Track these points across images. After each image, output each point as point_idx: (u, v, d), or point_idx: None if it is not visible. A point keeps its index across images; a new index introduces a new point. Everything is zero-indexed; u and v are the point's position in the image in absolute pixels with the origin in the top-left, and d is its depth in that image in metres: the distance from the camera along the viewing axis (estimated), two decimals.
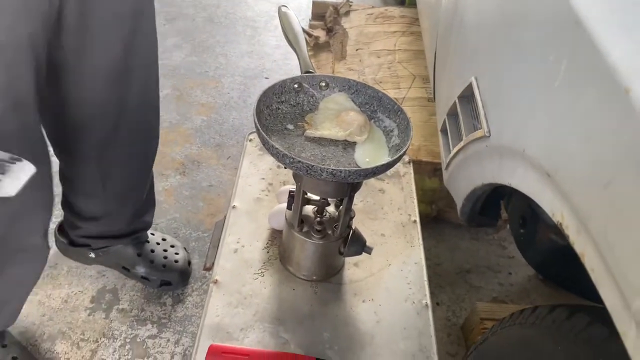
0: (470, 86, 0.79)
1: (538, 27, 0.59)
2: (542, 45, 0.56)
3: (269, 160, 1.13)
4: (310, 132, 0.81)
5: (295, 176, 0.81)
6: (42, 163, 0.89)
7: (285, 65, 2.12)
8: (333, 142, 0.81)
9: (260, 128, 0.73)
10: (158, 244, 1.30)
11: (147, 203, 1.25)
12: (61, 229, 1.29)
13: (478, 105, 0.74)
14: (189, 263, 1.31)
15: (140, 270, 1.25)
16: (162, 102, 1.87)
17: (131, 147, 1.10)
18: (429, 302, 0.89)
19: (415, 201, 1.07)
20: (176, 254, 1.29)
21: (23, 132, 0.83)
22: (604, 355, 0.51)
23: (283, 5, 0.96)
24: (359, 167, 0.76)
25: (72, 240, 1.27)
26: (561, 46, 0.52)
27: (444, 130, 0.98)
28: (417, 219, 1.03)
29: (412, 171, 1.14)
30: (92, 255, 1.26)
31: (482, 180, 0.74)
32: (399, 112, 0.82)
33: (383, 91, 0.85)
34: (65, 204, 1.20)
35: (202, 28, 2.33)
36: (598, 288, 0.43)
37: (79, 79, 0.94)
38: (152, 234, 1.31)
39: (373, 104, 0.86)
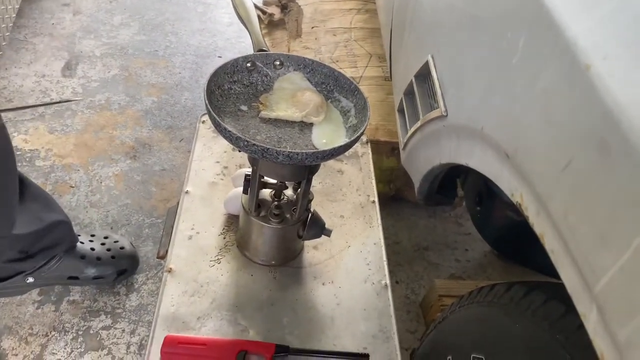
0: (426, 65, 0.78)
1: (494, 4, 0.58)
2: (500, 21, 0.55)
3: (224, 142, 1.09)
4: (265, 113, 0.78)
5: (250, 160, 0.78)
6: None
7: (238, 43, 2.06)
8: (289, 123, 0.78)
9: (211, 110, 0.70)
10: (91, 241, 1.20)
11: (37, 203, 1.08)
12: None
13: (435, 84, 0.72)
14: (132, 244, 1.25)
15: (90, 271, 1.16)
16: (109, 83, 1.79)
17: None
18: (388, 282, 0.89)
19: (374, 182, 1.07)
20: (116, 242, 1.22)
21: None
22: (561, 331, 0.51)
23: None
24: (316, 149, 0.74)
25: None
26: (519, 21, 0.51)
27: (401, 110, 0.97)
28: (376, 200, 1.03)
29: (370, 151, 1.13)
30: (31, 279, 1.12)
31: (440, 160, 0.74)
32: (356, 92, 0.80)
33: (339, 70, 0.83)
34: None
35: (151, 5, 2.23)
36: (558, 269, 0.43)
37: None
38: (80, 240, 1.19)
39: (329, 83, 0.83)
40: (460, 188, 1.12)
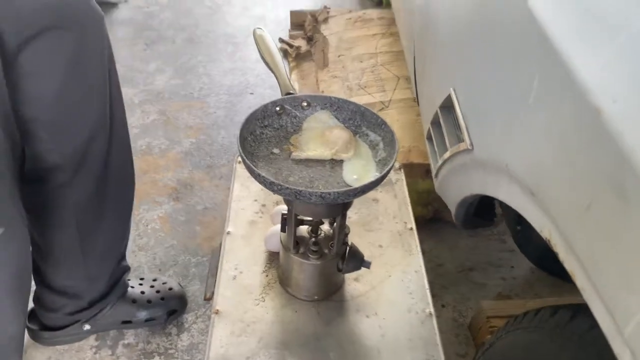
0: (449, 97, 0.79)
1: (508, 41, 0.59)
2: (514, 60, 0.56)
3: None
4: (296, 155, 0.80)
5: (286, 200, 0.81)
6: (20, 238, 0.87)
7: (268, 78, 2.11)
8: (320, 161, 0.80)
9: (245, 157, 0.73)
10: (140, 284, 1.26)
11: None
12: (32, 318, 1.17)
13: (459, 118, 0.73)
14: (180, 285, 1.30)
15: (142, 314, 1.21)
16: (149, 129, 1.87)
17: (111, 201, 1.05)
18: (432, 310, 0.88)
19: (410, 208, 1.07)
20: (164, 283, 1.27)
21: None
22: (609, 355, 0.51)
23: (258, 28, 0.96)
24: (348, 186, 0.76)
25: (54, 325, 1.15)
26: (532, 62, 0.51)
27: (429, 138, 0.97)
28: (413, 226, 1.03)
29: (403, 177, 1.14)
30: (87, 327, 1.17)
31: (471, 190, 0.74)
32: (383, 125, 0.82)
33: (365, 105, 0.85)
34: (42, 283, 1.11)
35: (183, 49, 2.33)
36: (591, 308, 0.43)
37: (55, 138, 0.92)
38: (130, 285, 1.25)
39: (356, 118, 0.85)
40: (500, 207, 1.11)
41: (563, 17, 0.48)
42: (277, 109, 0.84)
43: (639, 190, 0.36)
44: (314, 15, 2.29)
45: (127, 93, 2.04)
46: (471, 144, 0.70)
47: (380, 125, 0.82)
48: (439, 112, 0.86)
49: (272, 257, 0.97)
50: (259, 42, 0.93)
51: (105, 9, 2.59)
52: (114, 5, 2.59)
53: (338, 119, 0.86)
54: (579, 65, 0.43)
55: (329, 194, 0.68)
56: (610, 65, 0.41)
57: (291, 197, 0.70)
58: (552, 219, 0.48)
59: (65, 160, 0.94)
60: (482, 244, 1.46)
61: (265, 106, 0.83)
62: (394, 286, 0.92)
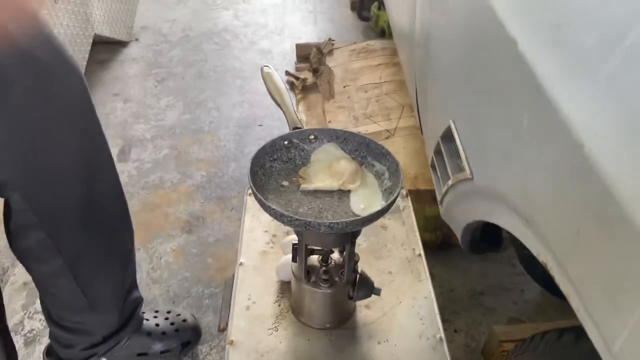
0: (449, 128, 0.82)
1: (497, 78, 0.62)
2: (505, 96, 0.59)
3: None
4: (305, 186, 0.83)
5: (296, 231, 0.83)
6: None
7: (277, 110, 2.16)
8: (328, 192, 0.83)
9: (256, 191, 0.76)
10: (155, 317, 1.28)
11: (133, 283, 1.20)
12: (50, 352, 1.19)
13: (459, 148, 0.76)
14: (193, 316, 1.32)
15: (157, 346, 1.22)
16: (161, 163, 1.92)
17: (106, 252, 1.05)
18: (442, 336, 0.90)
19: (417, 234, 1.09)
20: (178, 315, 1.29)
21: None
22: None
23: (265, 66, 1.00)
24: (356, 215, 0.79)
25: (71, 359, 1.16)
26: (520, 98, 0.55)
27: (433, 167, 1.00)
28: (422, 252, 1.05)
29: (411, 204, 1.16)
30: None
31: (474, 217, 0.76)
32: (388, 155, 0.85)
33: (371, 134, 0.88)
34: (50, 320, 1.11)
35: (193, 84, 2.39)
36: (585, 329, 0.45)
37: (26, 197, 0.90)
38: (145, 317, 1.26)
39: (362, 149, 0.89)
40: (506, 232, 1.12)
41: (549, 55, 0.51)
42: (286, 143, 0.88)
43: (619, 219, 0.38)
44: (319, 47, 2.35)
45: (139, 129, 2.10)
46: (471, 174, 0.73)
47: (385, 156, 0.85)
48: (440, 142, 0.89)
49: (284, 287, 1.00)
50: (266, 79, 0.98)
51: (116, 47, 2.70)
52: (125, 43, 2.68)
53: (344, 151, 0.89)
54: (563, 101, 0.46)
55: (338, 223, 0.71)
56: (593, 101, 0.44)
57: (301, 227, 0.72)
58: (546, 244, 0.50)
59: (41, 217, 0.92)
60: (492, 268, 1.47)
61: (274, 141, 0.87)
62: (404, 312, 0.94)
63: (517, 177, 0.56)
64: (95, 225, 1.00)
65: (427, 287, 0.98)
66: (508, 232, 1.15)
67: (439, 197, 0.98)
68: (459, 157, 0.77)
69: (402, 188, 0.78)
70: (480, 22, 0.69)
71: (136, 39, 2.74)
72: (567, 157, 0.45)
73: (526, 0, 0.61)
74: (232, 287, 1.01)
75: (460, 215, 0.85)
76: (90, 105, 0.93)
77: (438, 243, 1.48)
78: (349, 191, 0.83)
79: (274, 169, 0.86)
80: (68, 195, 0.93)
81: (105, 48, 2.57)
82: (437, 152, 0.93)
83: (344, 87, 2.09)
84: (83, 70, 2.05)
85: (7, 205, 0.92)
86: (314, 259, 0.90)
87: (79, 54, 2.14)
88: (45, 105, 0.84)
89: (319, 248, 0.89)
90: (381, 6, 2.69)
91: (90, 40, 2.21)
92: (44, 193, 0.91)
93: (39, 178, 0.89)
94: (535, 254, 0.53)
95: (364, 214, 0.75)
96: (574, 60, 0.48)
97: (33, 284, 1.06)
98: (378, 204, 0.79)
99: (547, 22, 0.54)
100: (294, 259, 0.90)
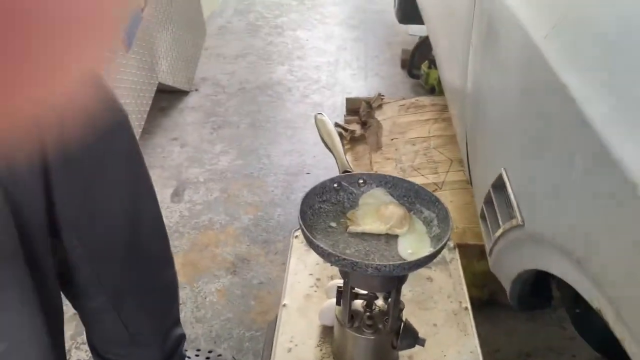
0: (501, 176, 0.82)
1: (549, 124, 0.63)
2: (557, 141, 0.60)
3: (316, 255, 1.16)
4: (352, 228, 0.85)
5: (342, 272, 0.84)
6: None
7: (324, 159, 2.21)
8: (375, 236, 0.84)
9: (305, 229, 0.78)
10: (197, 356, 1.29)
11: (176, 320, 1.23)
12: None
13: (510, 195, 0.76)
14: (234, 358, 1.32)
15: None
16: (212, 205, 1.98)
17: (147, 289, 1.10)
18: None
19: (465, 287, 1.07)
20: (219, 355, 1.30)
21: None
22: None
23: (319, 113, 1.04)
24: (403, 259, 0.79)
25: None
26: (572, 142, 0.55)
27: (483, 217, 1.00)
28: (469, 306, 1.02)
29: (458, 257, 1.15)
30: None
31: (525, 266, 0.75)
32: (437, 203, 0.85)
33: (419, 184, 0.89)
34: (95, 352, 1.15)
35: (246, 133, 2.49)
36: None
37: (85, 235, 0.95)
38: (187, 355, 1.28)
39: (410, 195, 0.90)
40: (557, 289, 1.08)
41: (601, 100, 0.52)
42: (335, 185, 0.90)
43: None
44: (368, 101, 2.41)
45: (194, 172, 2.19)
46: (522, 220, 0.72)
47: (434, 203, 0.86)
48: (491, 191, 0.89)
49: (326, 332, 0.99)
50: (319, 125, 1.02)
51: (177, 96, 2.86)
52: (186, 93, 2.83)
53: (393, 196, 0.90)
54: (616, 144, 0.47)
55: (385, 266, 0.71)
56: None
57: (348, 268, 0.73)
58: (600, 287, 0.49)
59: (89, 254, 0.97)
60: (540, 330, 1.40)
61: (324, 183, 0.89)
62: None
63: (570, 219, 0.56)
64: (139, 263, 1.05)
65: (473, 342, 0.95)
66: (559, 289, 1.12)
67: (488, 248, 0.97)
68: (509, 204, 0.77)
69: (450, 236, 0.78)
70: (532, 70, 0.71)
71: (196, 89, 2.89)
72: (621, 198, 0.44)
73: (578, 48, 0.63)
74: (275, 328, 1.01)
75: (509, 266, 0.84)
76: (139, 152, 1.02)
77: (484, 300, 1.44)
78: (396, 236, 0.84)
79: (323, 210, 0.88)
80: (115, 233, 0.99)
81: (167, 96, 2.73)
82: (488, 201, 0.93)
83: (392, 139, 2.12)
84: (145, 116, 2.19)
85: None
86: (358, 304, 0.90)
87: (143, 100, 2.28)
88: (103, 157, 0.93)
89: (363, 292, 0.89)
90: (432, 65, 2.75)
91: (154, 88, 2.36)
92: (93, 232, 0.96)
93: (90, 216, 0.95)
94: (588, 299, 0.52)
95: (412, 258, 0.75)
96: (628, 102, 0.48)
97: None
98: (426, 250, 0.79)
99: (599, 67, 0.55)
100: (338, 303, 0.90)
